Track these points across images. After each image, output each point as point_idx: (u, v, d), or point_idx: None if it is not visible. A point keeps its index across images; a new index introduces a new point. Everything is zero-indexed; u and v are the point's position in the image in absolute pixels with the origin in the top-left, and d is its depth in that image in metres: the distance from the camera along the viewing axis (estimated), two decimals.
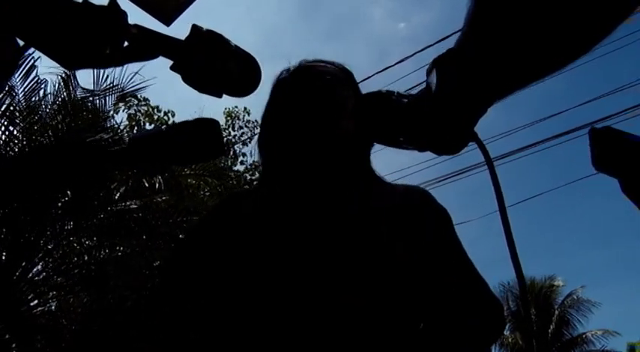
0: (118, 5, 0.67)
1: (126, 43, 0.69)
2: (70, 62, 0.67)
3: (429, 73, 0.70)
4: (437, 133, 0.73)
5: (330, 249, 0.90)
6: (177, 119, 10.67)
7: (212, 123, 0.82)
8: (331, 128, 1.00)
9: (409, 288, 0.92)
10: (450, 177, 8.73)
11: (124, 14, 0.67)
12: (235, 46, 0.77)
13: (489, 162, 0.71)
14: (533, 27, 0.54)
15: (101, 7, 0.66)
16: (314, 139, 1.01)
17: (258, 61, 0.79)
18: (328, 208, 0.98)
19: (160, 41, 0.72)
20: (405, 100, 0.80)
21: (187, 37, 0.73)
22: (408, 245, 0.94)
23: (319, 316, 0.84)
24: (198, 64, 0.74)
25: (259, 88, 0.81)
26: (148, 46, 0.71)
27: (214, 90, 0.77)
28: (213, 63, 0.74)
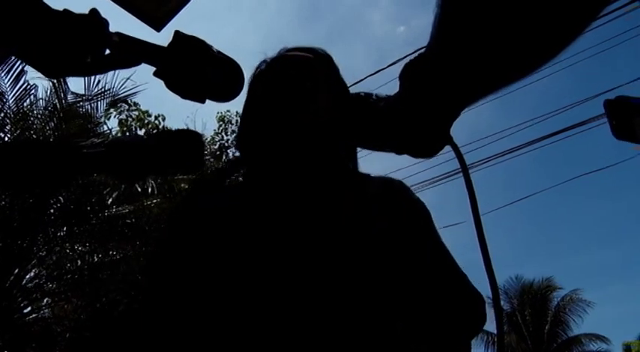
0: (98, 14, 0.67)
1: (108, 51, 0.70)
2: (52, 71, 0.68)
3: (401, 76, 0.70)
4: (411, 137, 0.73)
5: (312, 244, 0.90)
6: (170, 122, 10.66)
7: (194, 135, 0.82)
8: (295, 116, 0.99)
9: (392, 280, 0.92)
10: (447, 177, 8.74)
11: (105, 22, 0.67)
12: (218, 51, 0.77)
13: (464, 166, 0.71)
14: (500, 30, 0.54)
15: (82, 15, 0.66)
16: (280, 129, 1.00)
17: (241, 66, 0.80)
18: (305, 202, 0.97)
19: (142, 48, 0.72)
20: (382, 103, 0.81)
21: (170, 44, 0.74)
22: (391, 235, 0.94)
23: (305, 314, 0.84)
24: (181, 70, 0.74)
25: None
26: (130, 53, 0.72)
27: (197, 95, 0.77)
28: (196, 69, 0.74)
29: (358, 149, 1.10)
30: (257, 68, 1.13)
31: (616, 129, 0.75)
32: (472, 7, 0.55)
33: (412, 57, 0.68)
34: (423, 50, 0.66)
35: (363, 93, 0.86)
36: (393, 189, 1.05)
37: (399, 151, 0.78)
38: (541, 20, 0.52)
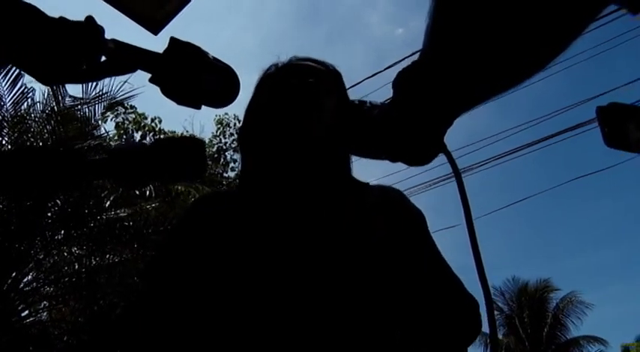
0: (94, 21, 0.67)
1: (104, 58, 0.70)
2: (47, 78, 0.68)
3: (395, 84, 0.71)
4: (405, 144, 0.74)
5: (314, 251, 0.90)
6: (167, 125, 10.67)
7: (196, 142, 0.82)
8: (301, 128, 1.00)
9: (392, 288, 0.93)
10: (444, 180, 8.75)
11: (100, 29, 0.68)
12: (213, 57, 0.78)
13: (457, 174, 0.72)
14: (492, 39, 0.55)
15: (77, 22, 0.66)
16: (284, 138, 1.01)
17: (236, 72, 0.80)
18: (305, 211, 0.98)
19: (137, 55, 0.73)
20: (376, 111, 0.81)
21: (165, 50, 0.74)
22: (390, 244, 0.95)
23: (306, 321, 0.85)
24: (177, 77, 0.74)
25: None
26: (125, 60, 0.72)
27: (193, 102, 0.77)
28: (191, 75, 0.75)
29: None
30: (266, 71, 1.14)
31: (608, 137, 0.75)
32: (464, 15, 0.55)
33: (406, 64, 0.68)
34: (416, 58, 0.66)
35: (357, 101, 0.87)
36: (391, 198, 1.06)
37: (393, 159, 0.78)
38: (533, 29, 0.53)
